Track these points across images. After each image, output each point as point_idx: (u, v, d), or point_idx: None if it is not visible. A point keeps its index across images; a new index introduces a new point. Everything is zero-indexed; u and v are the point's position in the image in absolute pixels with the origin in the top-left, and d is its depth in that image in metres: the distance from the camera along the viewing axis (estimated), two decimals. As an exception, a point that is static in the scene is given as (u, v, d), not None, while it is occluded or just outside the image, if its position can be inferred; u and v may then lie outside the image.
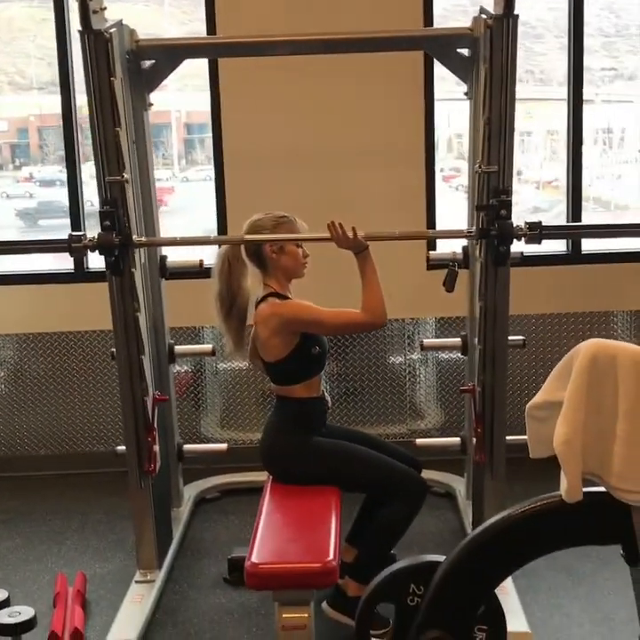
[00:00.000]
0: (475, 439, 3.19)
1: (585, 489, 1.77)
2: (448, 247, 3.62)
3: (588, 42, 4.24)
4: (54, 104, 4.28)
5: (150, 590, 3.18)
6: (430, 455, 3.61)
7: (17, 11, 4.76)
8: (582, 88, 4.22)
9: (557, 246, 4.37)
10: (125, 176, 2.96)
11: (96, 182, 3.00)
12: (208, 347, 3.99)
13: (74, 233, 2.99)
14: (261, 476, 3.15)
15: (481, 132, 2.97)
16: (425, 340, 4.01)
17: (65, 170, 4.28)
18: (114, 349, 3.19)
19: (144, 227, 3.30)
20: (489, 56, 2.91)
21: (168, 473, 3.68)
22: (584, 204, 4.38)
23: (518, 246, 2.96)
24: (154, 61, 3.31)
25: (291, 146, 4.13)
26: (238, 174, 4.17)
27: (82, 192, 4.28)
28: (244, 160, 4.14)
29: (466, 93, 3.33)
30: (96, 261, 3.98)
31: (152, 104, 3.44)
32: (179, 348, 3.83)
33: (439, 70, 4.02)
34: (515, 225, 2.88)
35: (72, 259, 3.81)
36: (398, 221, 3.25)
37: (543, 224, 2.91)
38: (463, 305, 3.59)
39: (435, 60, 3.69)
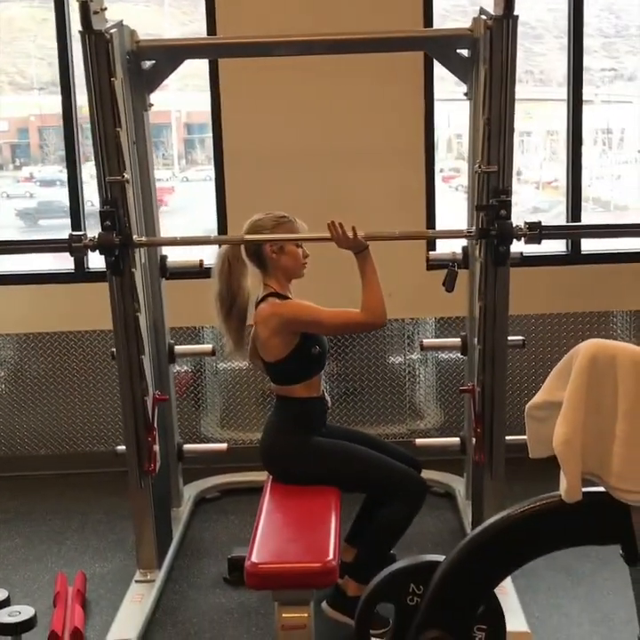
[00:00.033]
0: (474, 439, 3.19)
1: (584, 489, 1.77)
2: (448, 247, 3.63)
3: (587, 42, 4.25)
4: (55, 104, 4.29)
5: (150, 590, 3.19)
6: (430, 455, 3.62)
7: (17, 11, 4.76)
8: (582, 88, 4.23)
9: (557, 246, 4.37)
10: (126, 176, 2.96)
11: (96, 182, 3.00)
12: (208, 347, 3.99)
13: (74, 233, 2.99)
14: (261, 476, 3.15)
15: (481, 132, 2.98)
16: (425, 340, 4.01)
17: (65, 170, 4.28)
18: (114, 349, 3.19)
19: (144, 227, 3.30)
20: (489, 56, 2.91)
21: (168, 473, 3.68)
22: (584, 204, 4.38)
23: (518, 246, 2.96)
24: (154, 62, 3.32)
25: (291, 146, 4.13)
26: (238, 174, 4.17)
27: (82, 192, 4.28)
28: (244, 160, 4.15)
29: (465, 94, 3.34)
30: (96, 261, 3.98)
31: (152, 104, 3.44)
32: (179, 348, 3.83)
33: (439, 70, 4.02)
34: (514, 225, 2.88)
35: (72, 258, 3.83)
36: (398, 221, 3.26)
37: (543, 224, 2.92)
38: (463, 305, 3.59)
39: (435, 60, 3.69)
